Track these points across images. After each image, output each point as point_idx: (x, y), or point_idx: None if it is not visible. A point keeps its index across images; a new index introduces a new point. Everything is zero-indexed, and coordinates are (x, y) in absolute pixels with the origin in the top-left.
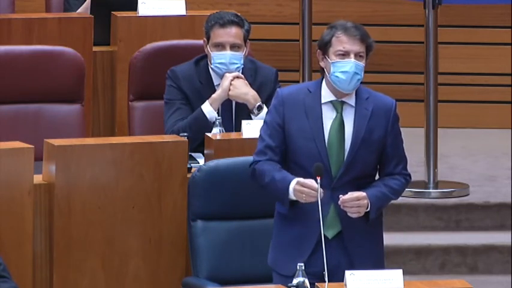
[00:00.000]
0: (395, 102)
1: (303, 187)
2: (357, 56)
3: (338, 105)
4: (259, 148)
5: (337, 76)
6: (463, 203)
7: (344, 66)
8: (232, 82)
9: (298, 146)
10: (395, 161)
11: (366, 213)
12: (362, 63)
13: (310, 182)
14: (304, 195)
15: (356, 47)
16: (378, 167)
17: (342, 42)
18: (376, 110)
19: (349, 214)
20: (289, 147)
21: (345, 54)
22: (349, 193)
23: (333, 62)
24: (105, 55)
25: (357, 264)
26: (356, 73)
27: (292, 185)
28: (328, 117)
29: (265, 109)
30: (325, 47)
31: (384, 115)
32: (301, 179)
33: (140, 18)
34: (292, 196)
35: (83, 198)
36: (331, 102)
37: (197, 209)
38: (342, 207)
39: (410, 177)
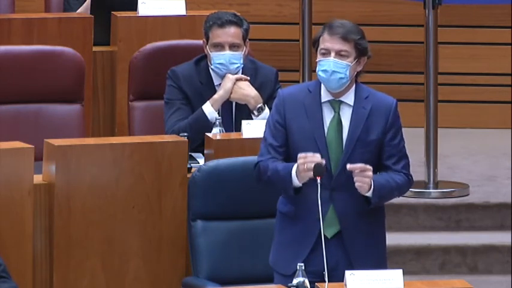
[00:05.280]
0: (395, 101)
1: (304, 159)
2: (338, 54)
3: (335, 104)
4: (262, 148)
5: (319, 75)
6: (463, 203)
7: (324, 65)
8: (236, 83)
9: (299, 146)
10: (395, 158)
11: (368, 200)
12: (344, 62)
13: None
14: (305, 165)
15: (337, 45)
16: (379, 167)
17: (324, 40)
18: (374, 109)
19: (356, 185)
20: (290, 147)
21: (326, 53)
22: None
23: (317, 61)
24: (105, 55)
25: (356, 264)
26: (335, 72)
27: (295, 167)
28: (328, 116)
29: (266, 110)
30: (314, 45)
31: (382, 114)
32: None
33: (140, 18)
34: (295, 180)
35: (83, 198)
36: (329, 101)
37: (197, 209)
38: (354, 176)
39: (412, 179)
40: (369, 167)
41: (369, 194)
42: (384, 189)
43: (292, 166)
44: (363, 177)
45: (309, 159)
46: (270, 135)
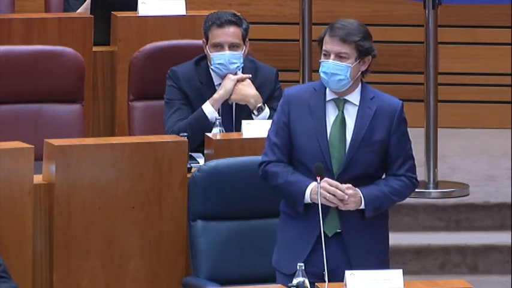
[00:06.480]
0: (401, 103)
1: (330, 186)
2: (337, 56)
3: (340, 103)
4: (267, 147)
5: (321, 76)
6: (463, 203)
7: (324, 67)
8: (237, 84)
9: (302, 144)
10: (400, 161)
11: (363, 210)
12: (344, 64)
13: (337, 184)
14: (328, 195)
15: (336, 47)
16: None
17: (325, 42)
18: (380, 110)
19: (323, 202)
20: (293, 145)
21: (326, 55)
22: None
23: (320, 61)
24: (105, 55)
25: (356, 265)
26: (334, 74)
27: (310, 187)
28: (331, 115)
29: (266, 110)
30: (318, 45)
31: (388, 116)
32: (328, 180)
33: (140, 18)
34: (308, 199)
35: (83, 198)
36: (333, 100)
37: (197, 209)
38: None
39: (417, 181)
40: (346, 185)
41: (362, 207)
42: (379, 200)
43: (307, 184)
44: (339, 198)
45: (333, 193)
46: (274, 134)
